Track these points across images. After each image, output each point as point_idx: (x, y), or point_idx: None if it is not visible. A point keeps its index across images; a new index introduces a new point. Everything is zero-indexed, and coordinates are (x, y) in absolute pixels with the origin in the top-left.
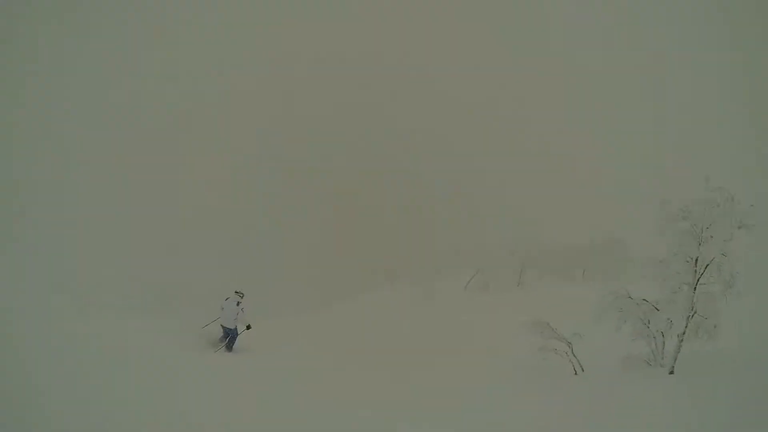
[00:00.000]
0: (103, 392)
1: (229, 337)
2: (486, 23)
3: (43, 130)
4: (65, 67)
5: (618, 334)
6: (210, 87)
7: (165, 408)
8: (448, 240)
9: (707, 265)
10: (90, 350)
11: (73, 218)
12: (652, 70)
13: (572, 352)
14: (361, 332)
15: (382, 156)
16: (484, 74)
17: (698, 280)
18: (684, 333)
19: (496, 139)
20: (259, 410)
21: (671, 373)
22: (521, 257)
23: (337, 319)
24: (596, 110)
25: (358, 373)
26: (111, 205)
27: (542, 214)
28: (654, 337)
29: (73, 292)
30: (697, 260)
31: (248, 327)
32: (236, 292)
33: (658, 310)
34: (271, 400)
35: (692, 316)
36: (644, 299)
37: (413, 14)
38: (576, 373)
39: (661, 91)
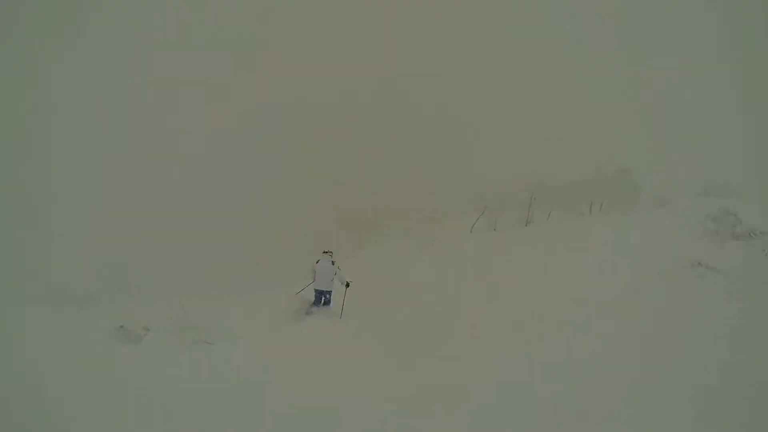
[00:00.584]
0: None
1: (324, 299)
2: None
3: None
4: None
5: None
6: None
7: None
8: (450, 182)
9: None
10: None
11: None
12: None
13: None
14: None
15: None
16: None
17: None
18: None
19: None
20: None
21: None
22: (527, 195)
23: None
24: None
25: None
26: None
27: (545, 149)
28: None
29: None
30: None
31: (348, 284)
32: (325, 252)
33: None
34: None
35: None
36: None
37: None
38: None
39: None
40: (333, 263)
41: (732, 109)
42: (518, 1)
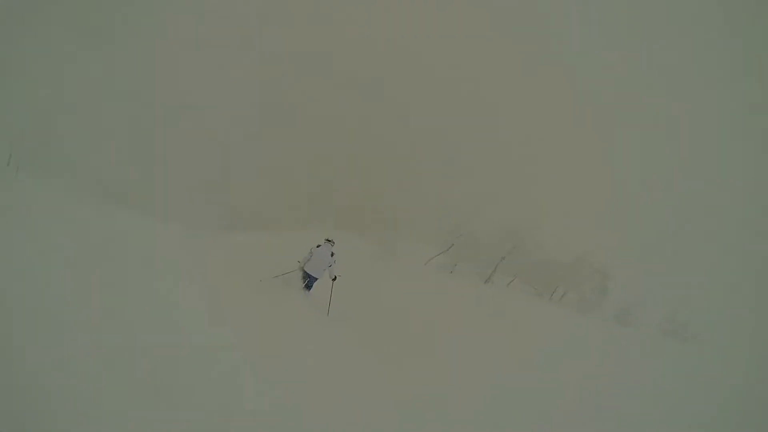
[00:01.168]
0: None
1: (309, 281)
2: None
3: None
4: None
5: None
6: None
7: None
8: (424, 200)
9: None
10: None
11: None
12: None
13: None
14: None
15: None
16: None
17: None
18: None
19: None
20: None
21: None
22: (498, 253)
23: None
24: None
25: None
26: None
27: (536, 217)
28: None
29: None
30: None
31: (334, 279)
32: (327, 240)
33: None
34: None
35: None
36: None
37: None
38: None
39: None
40: (332, 255)
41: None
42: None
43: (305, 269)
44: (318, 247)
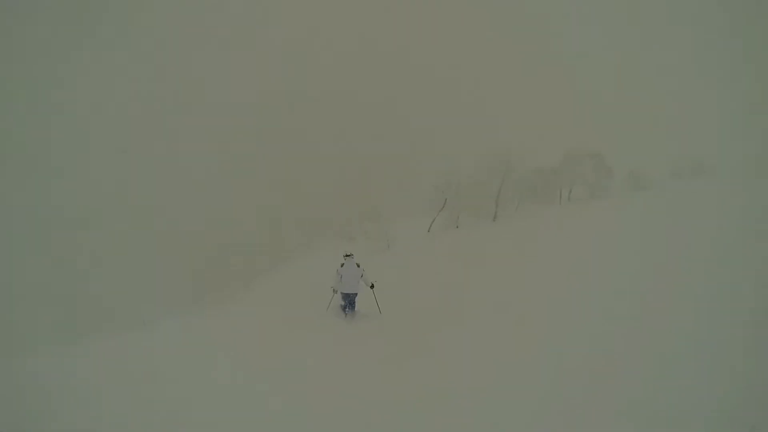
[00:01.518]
0: None
1: (350, 300)
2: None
3: None
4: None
5: None
6: None
7: None
8: (404, 177)
9: None
10: None
11: None
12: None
13: None
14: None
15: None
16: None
17: None
18: None
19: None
20: None
21: None
22: (491, 186)
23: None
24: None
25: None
26: None
27: (510, 134)
28: None
29: None
30: None
31: (372, 286)
32: (347, 255)
33: None
34: None
35: None
36: None
37: None
38: None
39: None
40: (358, 265)
41: (697, 88)
42: None
43: (343, 291)
44: (342, 266)
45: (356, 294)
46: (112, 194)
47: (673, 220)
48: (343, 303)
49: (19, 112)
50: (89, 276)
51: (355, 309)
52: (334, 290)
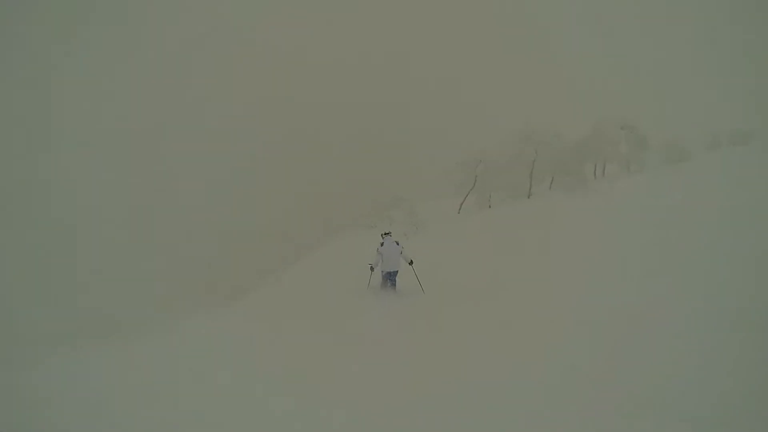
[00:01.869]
0: None
1: (391, 281)
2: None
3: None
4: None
5: None
6: None
7: None
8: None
9: None
10: None
11: None
12: None
13: None
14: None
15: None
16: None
17: None
18: None
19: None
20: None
21: None
22: (527, 161)
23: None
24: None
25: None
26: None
27: (536, 107)
28: None
29: None
30: None
31: (411, 262)
32: (385, 233)
33: None
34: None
35: None
36: None
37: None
38: None
39: None
40: (397, 243)
41: (730, 58)
42: None
43: (384, 270)
44: (382, 245)
45: (397, 271)
46: (114, 194)
47: (714, 197)
48: (383, 281)
49: (19, 121)
50: (89, 285)
51: (396, 287)
52: (371, 268)
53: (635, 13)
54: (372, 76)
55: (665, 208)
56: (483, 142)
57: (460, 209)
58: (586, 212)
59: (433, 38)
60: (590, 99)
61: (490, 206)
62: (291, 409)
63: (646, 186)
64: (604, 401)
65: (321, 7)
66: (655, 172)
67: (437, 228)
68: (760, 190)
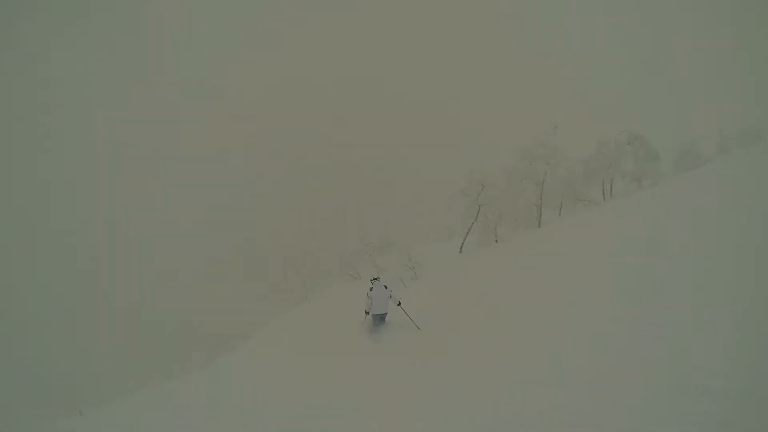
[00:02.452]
0: None
1: (380, 318)
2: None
3: None
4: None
5: None
6: None
7: None
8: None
9: None
10: None
11: None
12: None
13: None
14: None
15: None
16: None
17: None
18: None
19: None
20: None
21: None
22: (532, 183)
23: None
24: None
25: None
26: None
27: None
28: None
29: None
30: None
31: (399, 303)
32: (373, 279)
33: None
34: None
35: None
36: None
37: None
38: None
39: None
40: (386, 287)
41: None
42: None
43: (374, 313)
44: (371, 290)
45: (386, 313)
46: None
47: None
48: (374, 321)
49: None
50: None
51: (385, 322)
52: (366, 312)
53: (636, 17)
54: (365, 103)
55: (682, 230)
56: (484, 164)
57: (461, 247)
58: (600, 242)
59: (430, 58)
60: (594, 113)
61: (496, 240)
62: None
63: (661, 204)
64: None
65: (317, 34)
66: (670, 184)
67: (436, 273)
68: None
